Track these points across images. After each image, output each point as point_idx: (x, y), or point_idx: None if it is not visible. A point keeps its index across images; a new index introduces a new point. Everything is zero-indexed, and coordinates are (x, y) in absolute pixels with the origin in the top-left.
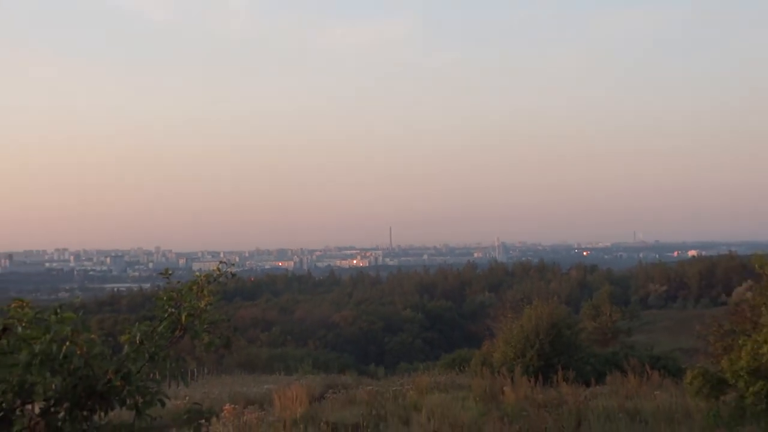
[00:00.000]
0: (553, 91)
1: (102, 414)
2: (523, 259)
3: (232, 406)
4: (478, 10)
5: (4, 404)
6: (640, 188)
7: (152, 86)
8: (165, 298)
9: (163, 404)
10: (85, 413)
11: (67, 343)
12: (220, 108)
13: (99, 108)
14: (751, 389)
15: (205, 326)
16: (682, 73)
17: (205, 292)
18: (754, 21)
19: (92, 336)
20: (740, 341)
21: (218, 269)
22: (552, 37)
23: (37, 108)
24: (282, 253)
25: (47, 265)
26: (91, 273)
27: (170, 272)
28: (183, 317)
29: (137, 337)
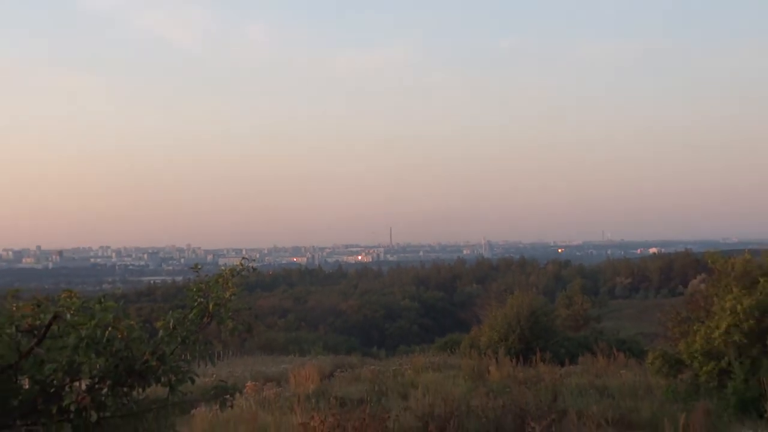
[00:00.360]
0: (531, 108)
1: (140, 390)
2: (506, 255)
3: (254, 383)
4: (467, 38)
5: (55, 381)
6: (608, 193)
7: (184, 105)
8: (195, 289)
9: (193, 381)
10: (125, 389)
11: (110, 329)
12: (244, 123)
13: (138, 123)
14: (704, 369)
15: (230, 314)
16: (642, 93)
17: (230, 284)
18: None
19: (131, 322)
20: (695, 327)
21: (241, 264)
22: (529, 61)
23: (80, 121)
24: (296, 250)
25: (92, 260)
26: (130, 267)
27: (199, 267)
28: (210, 306)
29: (171, 323)
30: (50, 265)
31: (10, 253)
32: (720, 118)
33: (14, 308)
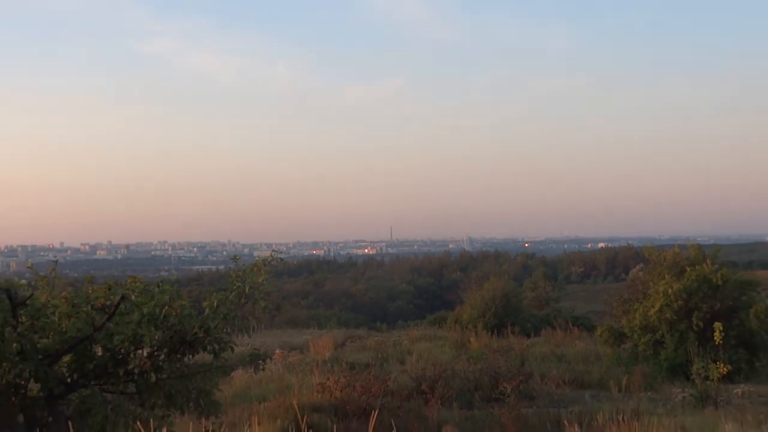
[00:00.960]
0: (498, 131)
1: (190, 356)
2: (484, 249)
3: (281, 350)
4: (447, 76)
5: (122, 349)
6: (565, 198)
7: (221, 126)
8: (234, 275)
9: (232, 350)
10: (178, 356)
11: (166, 307)
12: (272, 140)
13: (194, 144)
14: (642, 340)
15: (262, 295)
16: (592, 116)
17: (262, 271)
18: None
19: (183, 302)
20: (635, 306)
21: (271, 255)
22: (498, 93)
23: (137, 144)
24: (315, 244)
25: (152, 252)
26: (183, 258)
27: (237, 258)
28: (246, 289)
29: (215, 303)
30: (119, 257)
31: (87, 246)
32: (649, 138)
33: (90, 291)
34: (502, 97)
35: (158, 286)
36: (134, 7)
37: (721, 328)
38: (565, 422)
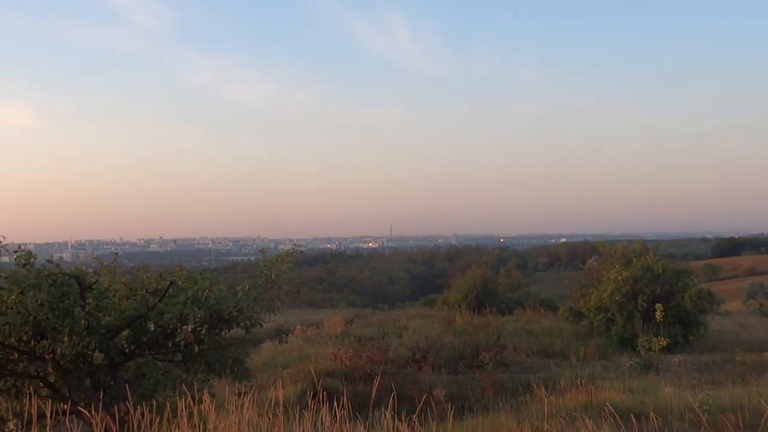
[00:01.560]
0: (478, 146)
1: (226, 331)
2: (467, 243)
3: (301, 326)
4: (439, 101)
5: (171, 325)
6: (533, 201)
7: (253, 145)
8: (262, 265)
9: (261, 326)
10: (216, 331)
11: (207, 291)
12: (294, 153)
13: (231, 156)
14: (596, 318)
15: (285, 281)
16: (552, 136)
17: (285, 261)
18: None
19: (221, 287)
20: (590, 291)
21: (293, 248)
22: (480, 118)
23: (182, 162)
24: (329, 239)
25: (195, 246)
26: (220, 250)
27: (265, 250)
28: (273, 276)
29: (247, 288)
30: (168, 249)
31: (142, 241)
32: (597, 154)
33: (144, 277)
34: (480, 120)
35: (200, 274)
36: (184, 46)
37: (662, 309)
38: (534, 385)
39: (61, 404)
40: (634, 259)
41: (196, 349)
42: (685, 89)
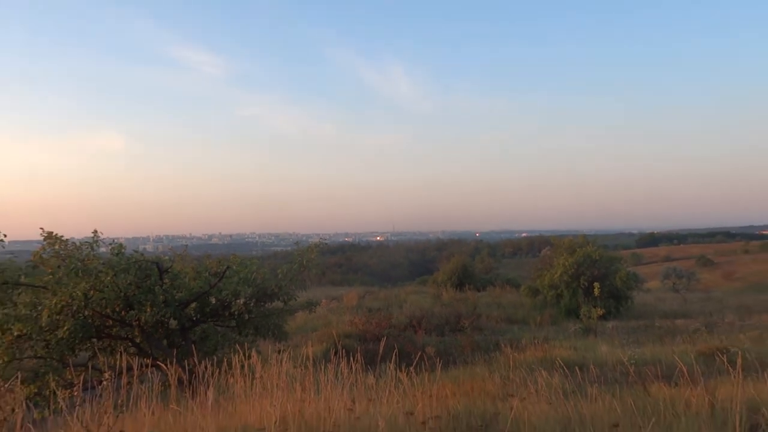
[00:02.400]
0: (465, 164)
1: (269, 303)
2: (452, 237)
3: (325, 300)
4: (430, 129)
5: (227, 299)
6: (502, 204)
7: (283, 162)
8: (297, 254)
9: (295, 299)
10: (262, 303)
11: (254, 273)
12: (319, 171)
13: (272, 174)
14: (549, 294)
15: (314, 266)
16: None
17: (314, 251)
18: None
19: (265, 270)
20: (544, 273)
21: (319, 241)
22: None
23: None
24: (346, 234)
25: (246, 239)
26: (265, 243)
27: (299, 243)
28: (304, 261)
29: (285, 271)
30: (225, 242)
31: (206, 236)
32: (553, 172)
33: (207, 263)
34: (460, 143)
35: (249, 261)
36: (236, 88)
37: (598, 286)
38: (502, 344)
39: (144, 359)
40: (578, 249)
41: (246, 317)
42: (615, 111)
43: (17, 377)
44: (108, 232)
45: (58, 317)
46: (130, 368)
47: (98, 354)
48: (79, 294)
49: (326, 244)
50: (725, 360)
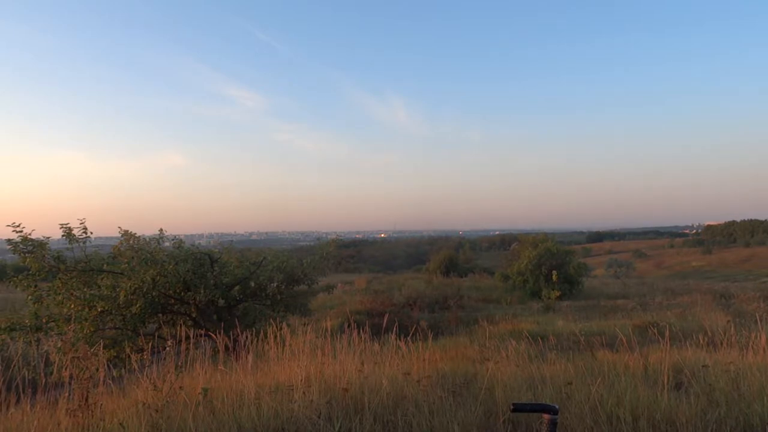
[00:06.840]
0: (449, 177)
1: (297, 286)
2: (441, 235)
3: (341, 284)
4: (423, 150)
5: (264, 283)
6: (481, 208)
7: (313, 176)
8: (318, 247)
9: (317, 284)
10: (291, 286)
11: (285, 262)
12: (334, 182)
13: (299, 185)
14: (518, 279)
15: (332, 257)
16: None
17: (332, 245)
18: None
19: (293, 260)
20: (513, 263)
21: (336, 238)
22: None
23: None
24: (357, 231)
25: (279, 236)
26: (294, 239)
27: (320, 238)
28: (324, 253)
29: (309, 261)
30: (262, 238)
31: (247, 233)
32: (530, 185)
33: (248, 255)
34: (445, 162)
35: (281, 253)
36: (272, 118)
37: (556, 274)
38: (480, 319)
39: (199, 330)
40: (540, 244)
41: (279, 297)
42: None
43: (100, 343)
44: (170, 230)
45: (132, 297)
46: (187, 337)
47: (163, 326)
48: (148, 279)
49: (341, 239)
50: (656, 332)
